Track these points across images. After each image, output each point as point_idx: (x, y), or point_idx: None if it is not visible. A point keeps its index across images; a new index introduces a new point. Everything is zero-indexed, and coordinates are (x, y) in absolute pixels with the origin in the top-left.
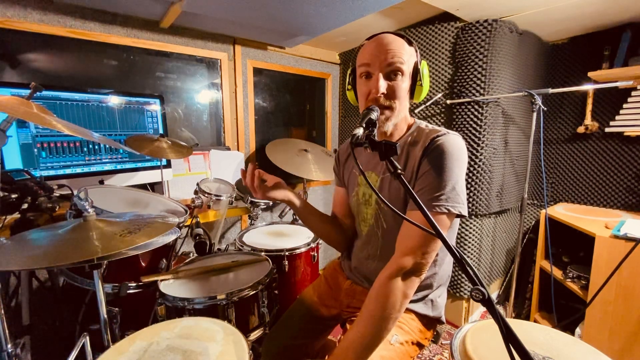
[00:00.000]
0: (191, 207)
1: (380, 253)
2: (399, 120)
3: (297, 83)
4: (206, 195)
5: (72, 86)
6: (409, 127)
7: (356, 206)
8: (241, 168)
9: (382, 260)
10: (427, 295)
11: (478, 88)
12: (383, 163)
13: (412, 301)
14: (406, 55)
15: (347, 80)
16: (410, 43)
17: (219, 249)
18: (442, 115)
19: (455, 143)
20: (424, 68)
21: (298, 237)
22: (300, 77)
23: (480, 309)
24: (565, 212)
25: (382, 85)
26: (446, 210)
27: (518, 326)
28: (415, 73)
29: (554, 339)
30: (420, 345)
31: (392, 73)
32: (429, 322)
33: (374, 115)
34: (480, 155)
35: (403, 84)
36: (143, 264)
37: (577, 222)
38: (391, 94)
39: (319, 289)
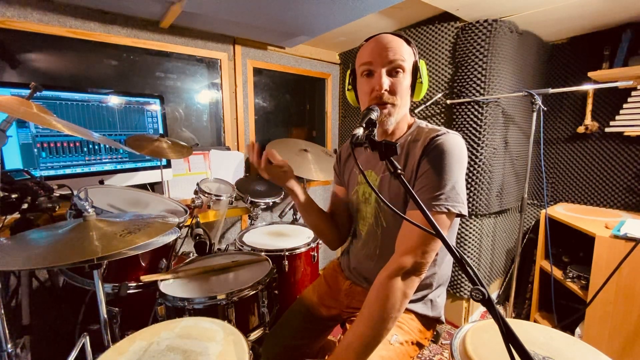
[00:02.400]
0: (191, 207)
1: (380, 253)
2: (400, 118)
3: (297, 83)
4: (206, 195)
5: (72, 86)
6: (409, 127)
7: (356, 205)
8: (248, 143)
9: (381, 260)
10: (426, 295)
11: (478, 88)
12: (383, 162)
13: (411, 301)
14: (406, 53)
15: (347, 81)
16: (408, 43)
17: (219, 249)
18: (442, 115)
19: (455, 142)
20: (423, 66)
21: (298, 237)
22: (300, 77)
23: (480, 309)
24: (565, 212)
25: (385, 81)
26: (446, 210)
27: (518, 326)
28: (415, 71)
29: (554, 339)
30: (420, 345)
31: (393, 70)
32: (429, 322)
33: (374, 115)
34: (480, 155)
35: (405, 81)
36: (143, 264)
37: (577, 222)
38: (394, 90)
39: (318, 289)
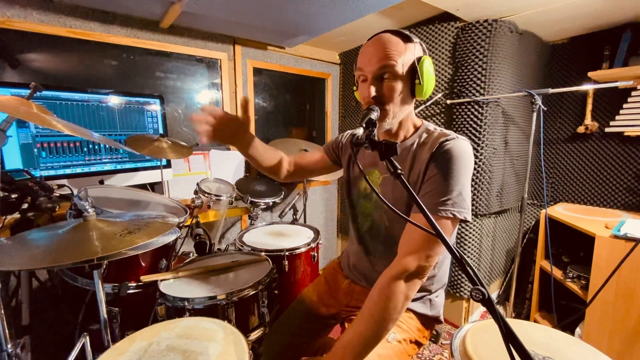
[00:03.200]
0: (191, 207)
1: (380, 251)
2: (402, 120)
3: (297, 83)
4: (206, 195)
5: (72, 86)
6: (416, 129)
7: (356, 199)
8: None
9: (381, 259)
10: (425, 295)
11: (478, 88)
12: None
13: None
14: (400, 54)
15: (355, 79)
16: (408, 40)
17: (219, 249)
18: (442, 115)
19: (463, 148)
20: (423, 64)
21: (298, 237)
22: (300, 77)
23: (480, 309)
24: (565, 212)
25: (372, 89)
26: (452, 215)
27: (518, 326)
28: (414, 70)
29: (554, 339)
30: (418, 344)
31: (382, 75)
32: (427, 321)
33: (374, 115)
34: (480, 155)
35: (395, 84)
36: (143, 264)
37: (577, 222)
38: (382, 97)
39: (318, 289)
